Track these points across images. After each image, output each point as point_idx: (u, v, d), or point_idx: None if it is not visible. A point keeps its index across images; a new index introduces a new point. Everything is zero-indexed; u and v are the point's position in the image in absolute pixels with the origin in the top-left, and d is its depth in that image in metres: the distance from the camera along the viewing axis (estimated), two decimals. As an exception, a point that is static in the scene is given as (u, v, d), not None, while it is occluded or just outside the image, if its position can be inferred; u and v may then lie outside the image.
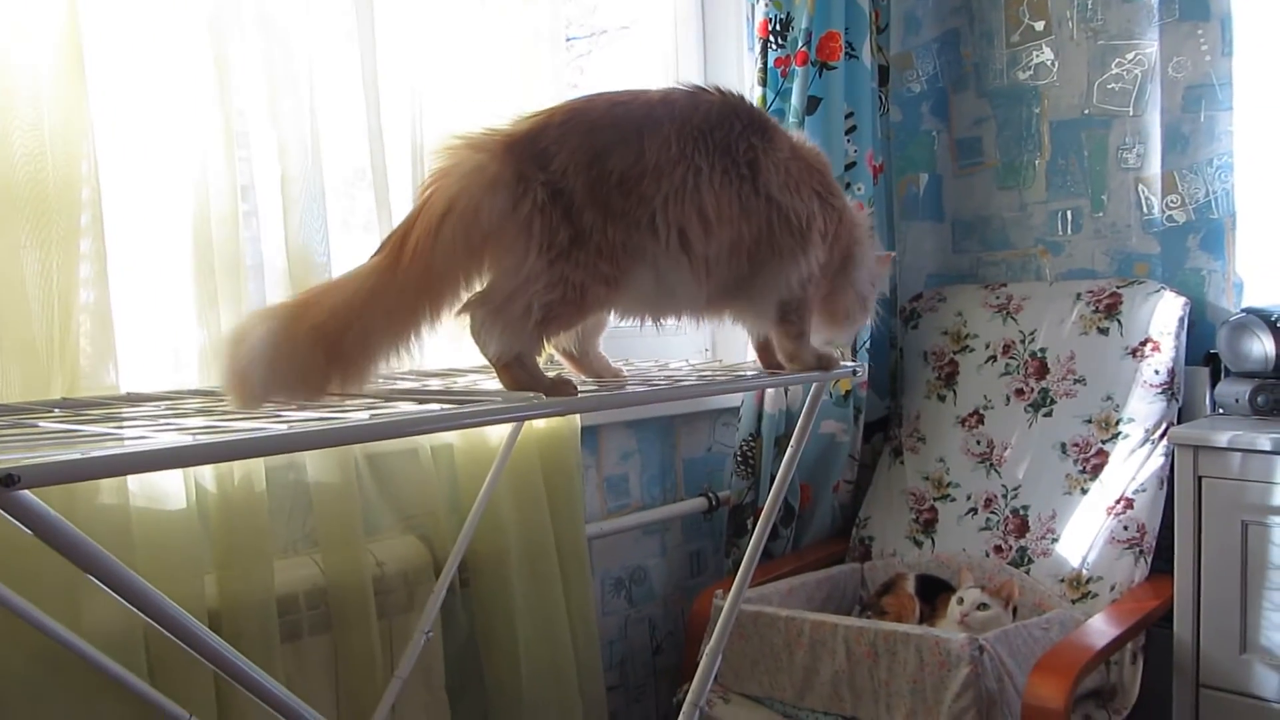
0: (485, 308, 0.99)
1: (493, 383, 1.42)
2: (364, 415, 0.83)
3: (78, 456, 0.63)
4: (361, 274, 0.97)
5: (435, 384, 1.40)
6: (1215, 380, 2.07)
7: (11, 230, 1.17)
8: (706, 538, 2.29)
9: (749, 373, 1.38)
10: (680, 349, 2.22)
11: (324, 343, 0.91)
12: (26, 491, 0.61)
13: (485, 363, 1.52)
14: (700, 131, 1.05)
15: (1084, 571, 2.02)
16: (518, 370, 1.01)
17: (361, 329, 0.93)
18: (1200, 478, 1.86)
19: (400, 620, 1.55)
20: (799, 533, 2.30)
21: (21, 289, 1.18)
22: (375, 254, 0.99)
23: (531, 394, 0.98)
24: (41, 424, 0.92)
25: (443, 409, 0.89)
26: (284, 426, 0.77)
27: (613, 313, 1.12)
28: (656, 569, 2.17)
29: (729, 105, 1.09)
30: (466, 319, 1.01)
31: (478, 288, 1.02)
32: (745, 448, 2.18)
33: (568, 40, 2.01)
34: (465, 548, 1.53)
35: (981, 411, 2.29)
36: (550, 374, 1.06)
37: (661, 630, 2.18)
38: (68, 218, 1.20)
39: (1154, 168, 2.27)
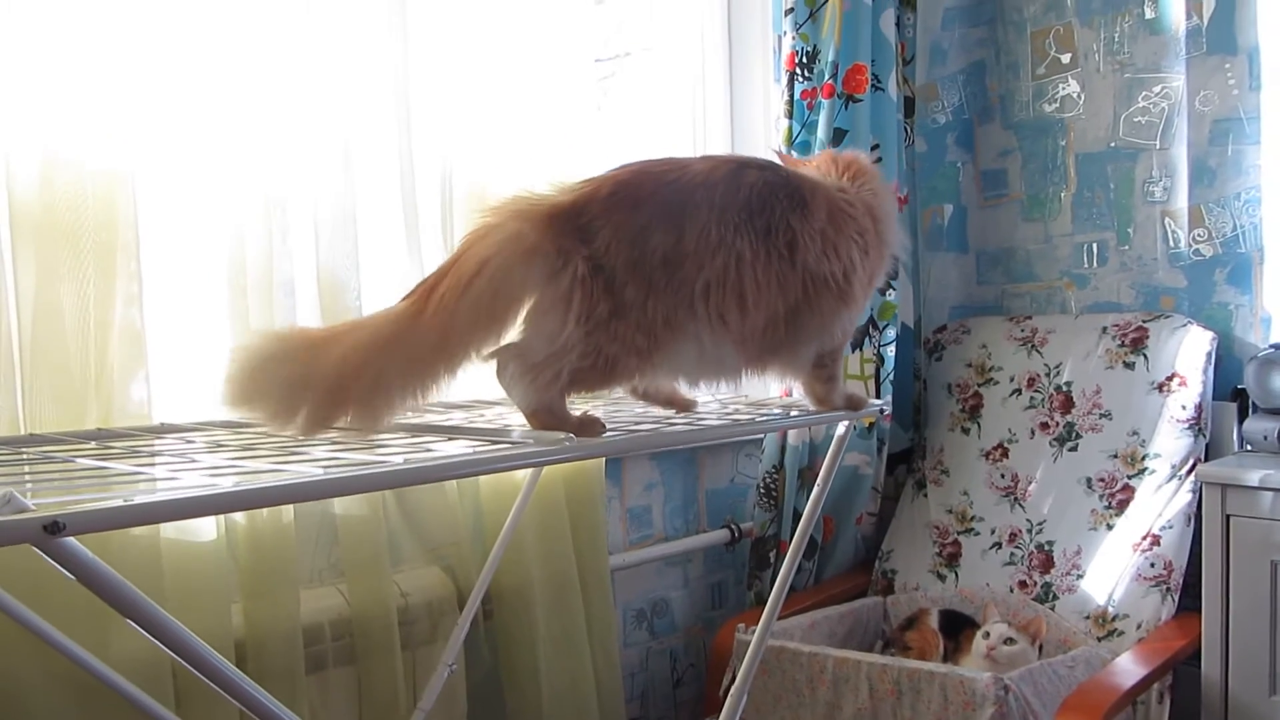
0: (518, 362, 1.00)
1: (519, 416, 1.43)
2: (398, 460, 0.84)
3: (120, 504, 0.64)
4: (387, 318, 0.98)
5: (459, 416, 1.41)
6: (1243, 416, 2.06)
7: (52, 263, 1.19)
8: (728, 569, 2.28)
9: (775, 410, 1.38)
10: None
11: (340, 378, 0.93)
12: (71, 539, 0.62)
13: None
14: (741, 218, 1.05)
15: (1110, 609, 2.00)
16: (545, 416, 1.02)
17: (376, 371, 0.94)
18: (1229, 516, 1.84)
19: (424, 652, 1.55)
20: (821, 565, 2.29)
21: (59, 319, 1.20)
22: (404, 298, 1.00)
23: (562, 435, 0.98)
24: (79, 460, 0.93)
25: (475, 451, 0.89)
26: (320, 471, 0.77)
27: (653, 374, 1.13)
28: (678, 600, 2.17)
29: (770, 186, 1.09)
30: (494, 363, 1.02)
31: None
32: (768, 480, 2.18)
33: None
34: (489, 580, 1.54)
35: (1006, 445, 2.28)
36: (576, 412, 1.07)
37: (683, 662, 2.17)
38: (106, 251, 1.22)
39: (1181, 201, 2.26)
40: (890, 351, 2.25)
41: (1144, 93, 2.30)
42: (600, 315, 0.99)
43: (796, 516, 2.19)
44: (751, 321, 1.06)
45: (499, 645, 1.68)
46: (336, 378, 0.93)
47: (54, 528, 0.60)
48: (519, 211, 1.01)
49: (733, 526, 2.21)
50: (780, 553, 2.18)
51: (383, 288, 1.56)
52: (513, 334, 1.02)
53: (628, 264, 1.00)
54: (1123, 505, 2.09)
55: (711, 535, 2.19)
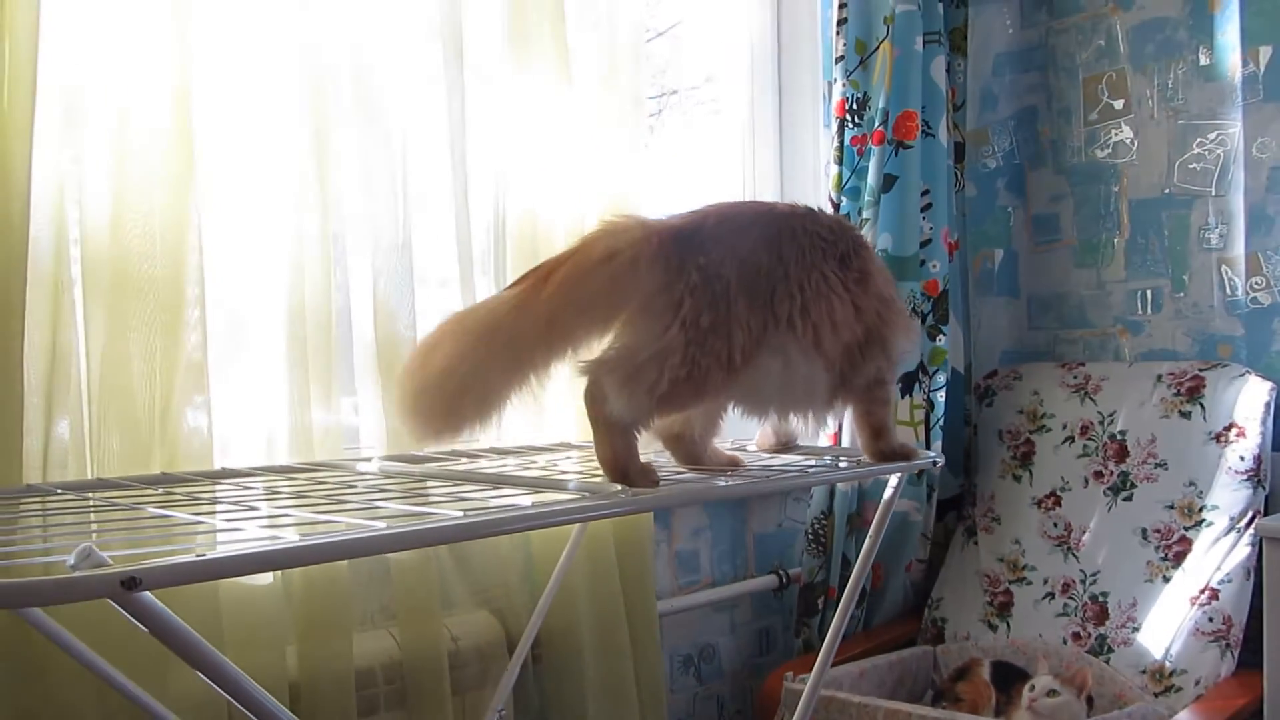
0: (618, 371, 1.04)
1: (569, 463, 1.44)
2: (458, 513, 0.85)
3: (193, 559, 0.66)
4: (492, 307, 1.05)
5: (513, 464, 1.42)
6: (1304, 468, 2.02)
7: (122, 313, 1.23)
8: (775, 615, 2.27)
9: (826, 460, 1.38)
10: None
11: (444, 377, 1.00)
12: (147, 593, 0.64)
13: (558, 440, 1.54)
14: (824, 246, 1.14)
15: (1167, 663, 1.96)
16: (619, 440, 1.06)
17: (475, 364, 1.01)
18: (1290, 571, 1.80)
19: (473, 697, 1.56)
20: (870, 612, 2.27)
21: (127, 366, 1.24)
22: (511, 286, 1.06)
23: (618, 488, 0.99)
24: (144, 509, 0.95)
25: (533, 505, 0.90)
26: (382, 524, 0.79)
27: (731, 404, 1.18)
28: (725, 646, 2.16)
29: (841, 226, 1.20)
30: (585, 379, 1.07)
31: (592, 347, 1.08)
32: (817, 525, 2.17)
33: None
34: (539, 625, 1.54)
35: (1059, 493, 2.25)
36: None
37: (729, 709, 2.15)
38: (173, 303, 1.25)
39: (1238, 249, 2.23)
40: (940, 397, 2.23)
41: (1199, 139, 2.28)
42: (703, 325, 1.04)
43: (845, 563, 2.17)
44: (839, 342, 1.13)
45: (547, 691, 1.68)
46: (439, 379, 1.01)
47: (131, 583, 0.62)
48: (644, 223, 1.08)
49: (781, 572, 2.20)
50: (829, 599, 2.17)
51: (436, 316, 1.59)
52: (602, 345, 1.08)
53: (737, 280, 1.07)
54: (1179, 557, 2.05)
55: (759, 581, 2.18)
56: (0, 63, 1.13)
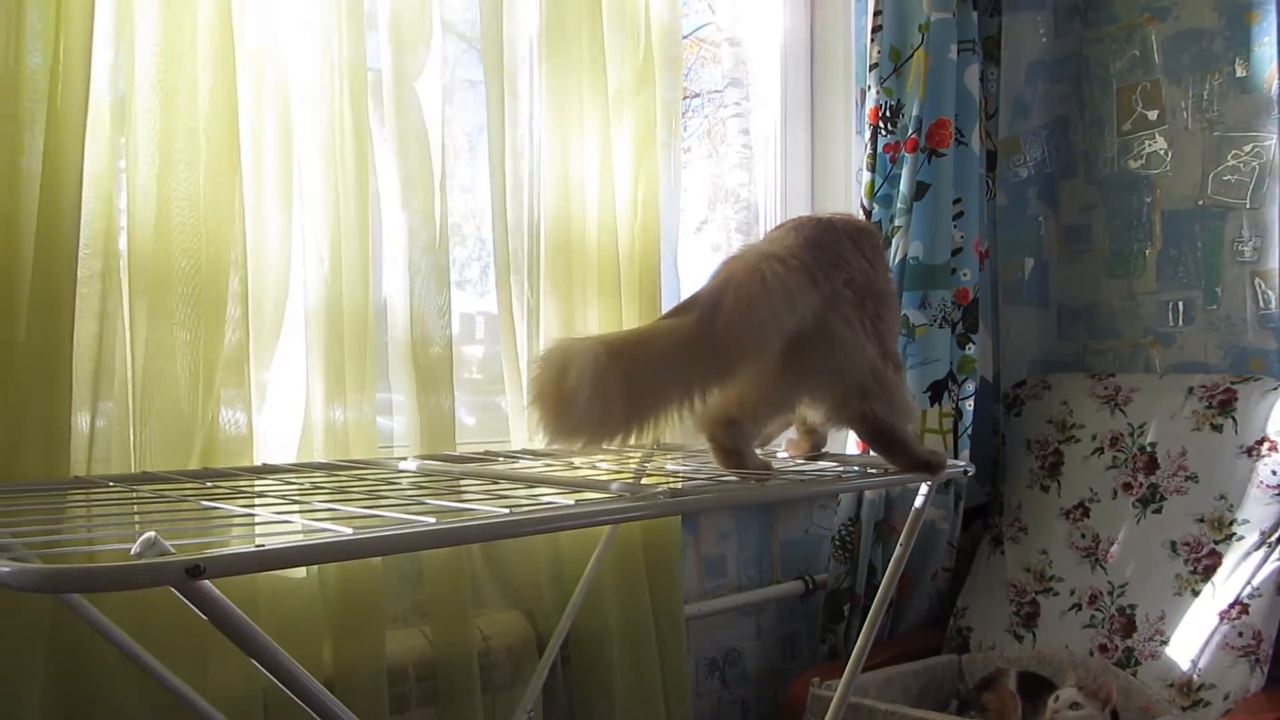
0: (880, 401, 1.17)
1: (605, 464, 1.44)
2: (504, 510, 0.85)
3: (255, 549, 0.67)
4: (673, 331, 1.06)
5: (548, 465, 1.43)
6: (1337, 483, 2.01)
7: (167, 309, 1.24)
8: (801, 621, 2.27)
9: (855, 468, 1.38)
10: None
11: (630, 390, 1.00)
12: (207, 582, 0.65)
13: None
14: (873, 245, 1.25)
15: (1195, 677, 1.95)
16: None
17: (660, 384, 1.03)
18: (1323, 586, 1.79)
19: (503, 696, 1.57)
20: (895, 620, 2.26)
21: (171, 361, 1.25)
22: (675, 315, 1.10)
23: (659, 489, 1.00)
24: (192, 501, 0.96)
25: (577, 503, 0.91)
26: (432, 519, 0.80)
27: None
28: (750, 651, 2.16)
29: (873, 230, 1.37)
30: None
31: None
32: (844, 532, 2.17)
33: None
34: (569, 626, 1.55)
35: (1087, 504, 2.24)
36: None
37: (754, 714, 2.15)
38: (216, 298, 1.27)
39: (1272, 261, 2.22)
40: (969, 406, 2.23)
41: (1234, 151, 2.28)
42: (868, 328, 1.15)
43: (871, 570, 2.17)
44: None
45: (575, 692, 1.69)
46: (629, 390, 1.01)
47: (195, 571, 0.63)
48: (773, 251, 1.11)
49: (807, 578, 2.20)
50: (855, 605, 2.17)
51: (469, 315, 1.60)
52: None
53: (860, 288, 1.16)
54: (1209, 571, 2.04)
55: (785, 586, 2.18)
56: (54, 63, 1.14)
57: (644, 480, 1.37)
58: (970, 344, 2.22)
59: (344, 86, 1.41)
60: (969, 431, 2.24)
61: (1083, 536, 2.22)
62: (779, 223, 1.29)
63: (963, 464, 1.38)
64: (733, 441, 1.22)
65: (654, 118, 1.80)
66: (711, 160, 2.47)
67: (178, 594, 0.65)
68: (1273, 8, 2.21)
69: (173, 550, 0.65)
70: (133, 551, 0.64)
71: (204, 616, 0.67)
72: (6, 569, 0.62)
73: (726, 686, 2.10)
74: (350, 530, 0.75)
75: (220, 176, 1.29)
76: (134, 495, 1.06)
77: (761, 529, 2.17)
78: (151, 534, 0.64)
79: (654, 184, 1.80)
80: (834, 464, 1.40)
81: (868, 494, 2.14)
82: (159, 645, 1.15)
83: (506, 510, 0.86)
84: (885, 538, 2.18)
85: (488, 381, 1.89)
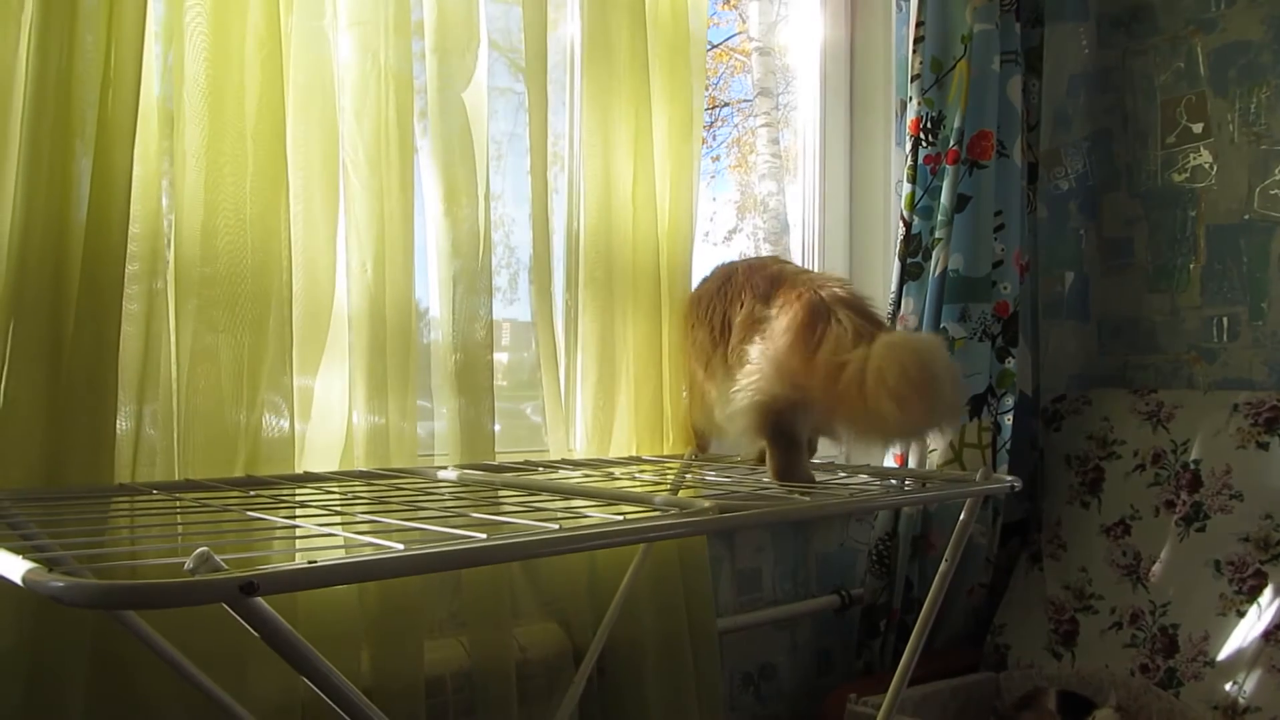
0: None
1: (645, 476, 1.43)
2: (553, 526, 0.85)
3: (308, 565, 0.66)
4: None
5: (587, 475, 1.42)
6: (1387, 505, 1.97)
7: (211, 314, 1.24)
8: (835, 636, 2.24)
9: (893, 481, 1.36)
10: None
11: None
12: (259, 599, 0.64)
13: (622, 455, 1.56)
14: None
15: (1240, 700, 1.91)
16: None
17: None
18: (1373, 611, 1.75)
19: (539, 708, 1.55)
20: (931, 636, 2.23)
21: (215, 366, 1.25)
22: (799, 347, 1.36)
23: (705, 504, 0.98)
24: (236, 510, 0.96)
25: (625, 520, 0.90)
26: (483, 535, 0.79)
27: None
28: (785, 666, 2.14)
29: None
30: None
31: None
32: (881, 547, 2.14)
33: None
34: (605, 638, 1.54)
35: (1128, 521, 2.21)
36: None
37: (787, 729, 2.13)
38: (260, 304, 1.27)
39: (1320, 277, 2.18)
40: (1008, 420, 2.20)
41: (1281, 165, 2.24)
42: None
43: (908, 585, 2.15)
44: None
45: (609, 705, 1.67)
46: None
47: (249, 588, 0.62)
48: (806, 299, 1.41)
49: (843, 593, 2.18)
50: (891, 621, 2.14)
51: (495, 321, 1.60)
52: None
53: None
54: (1254, 591, 2.00)
55: (821, 601, 2.16)
56: (106, 69, 1.15)
57: (681, 492, 1.37)
58: (1010, 358, 2.19)
59: (390, 95, 1.41)
60: (1007, 446, 2.21)
61: (1124, 554, 2.18)
62: (776, 255, 1.47)
63: (1009, 479, 1.36)
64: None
65: (689, 126, 1.79)
66: (740, 170, 2.46)
67: (229, 609, 0.64)
68: (1323, 20, 2.18)
69: (225, 566, 0.64)
70: (186, 567, 0.63)
71: (255, 633, 0.66)
72: (60, 584, 0.61)
73: (760, 701, 2.08)
74: (402, 546, 0.74)
75: (266, 183, 1.29)
76: (177, 504, 1.06)
77: (797, 543, 2.15)
78: (204, 549, 0.64)
79: (688, 192, 1.79)
80: (872, 478, 1.38)
81: (905, 509, 2.12)
82: (199, 653, 1.15)
83: (556, 526, 0.85)
84: (923, 553, 2.16)
85: (512, 389, 1.88)
